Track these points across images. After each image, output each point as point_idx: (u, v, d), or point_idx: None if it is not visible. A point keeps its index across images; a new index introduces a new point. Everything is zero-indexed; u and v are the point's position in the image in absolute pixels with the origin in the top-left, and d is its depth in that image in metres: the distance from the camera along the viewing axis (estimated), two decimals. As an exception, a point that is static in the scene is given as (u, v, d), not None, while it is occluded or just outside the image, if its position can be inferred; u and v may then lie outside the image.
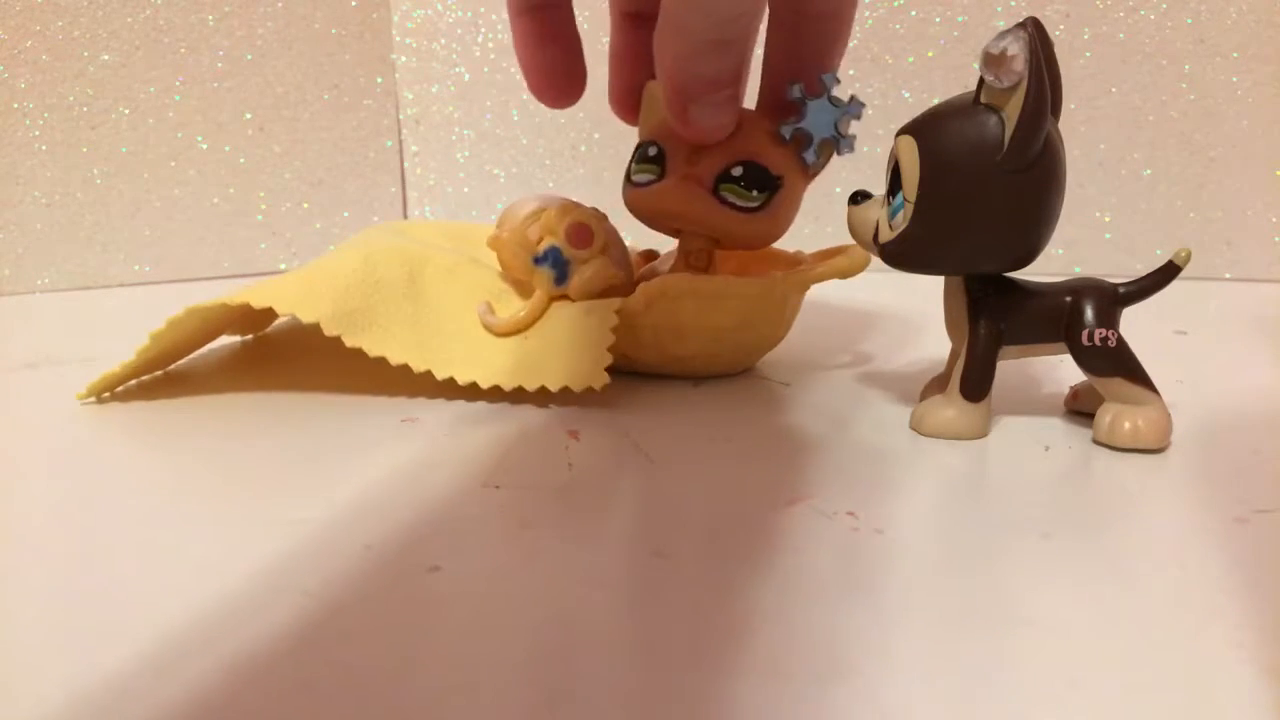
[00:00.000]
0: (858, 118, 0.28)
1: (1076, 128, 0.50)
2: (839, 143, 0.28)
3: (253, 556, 0.18)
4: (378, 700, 0.14)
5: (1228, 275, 0.50)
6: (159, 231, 0.53)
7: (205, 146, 0.53)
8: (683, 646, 0.15)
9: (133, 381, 0.30)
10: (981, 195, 0.23)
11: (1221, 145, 0.50)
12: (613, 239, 0.31)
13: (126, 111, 0.51)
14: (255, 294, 0.28)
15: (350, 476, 0.22)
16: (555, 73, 0.30)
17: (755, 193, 0.28)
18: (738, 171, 0.28)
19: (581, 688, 0.14)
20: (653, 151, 0.29)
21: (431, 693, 0.14)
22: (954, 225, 0.24)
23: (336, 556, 0.18)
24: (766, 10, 0.28)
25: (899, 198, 0.24)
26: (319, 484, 0.22)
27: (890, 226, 0.25)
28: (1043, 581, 0.17)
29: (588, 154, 0.57)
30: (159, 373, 0.31)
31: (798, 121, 0.28)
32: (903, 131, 0.25)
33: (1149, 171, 0.51)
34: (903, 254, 0.25)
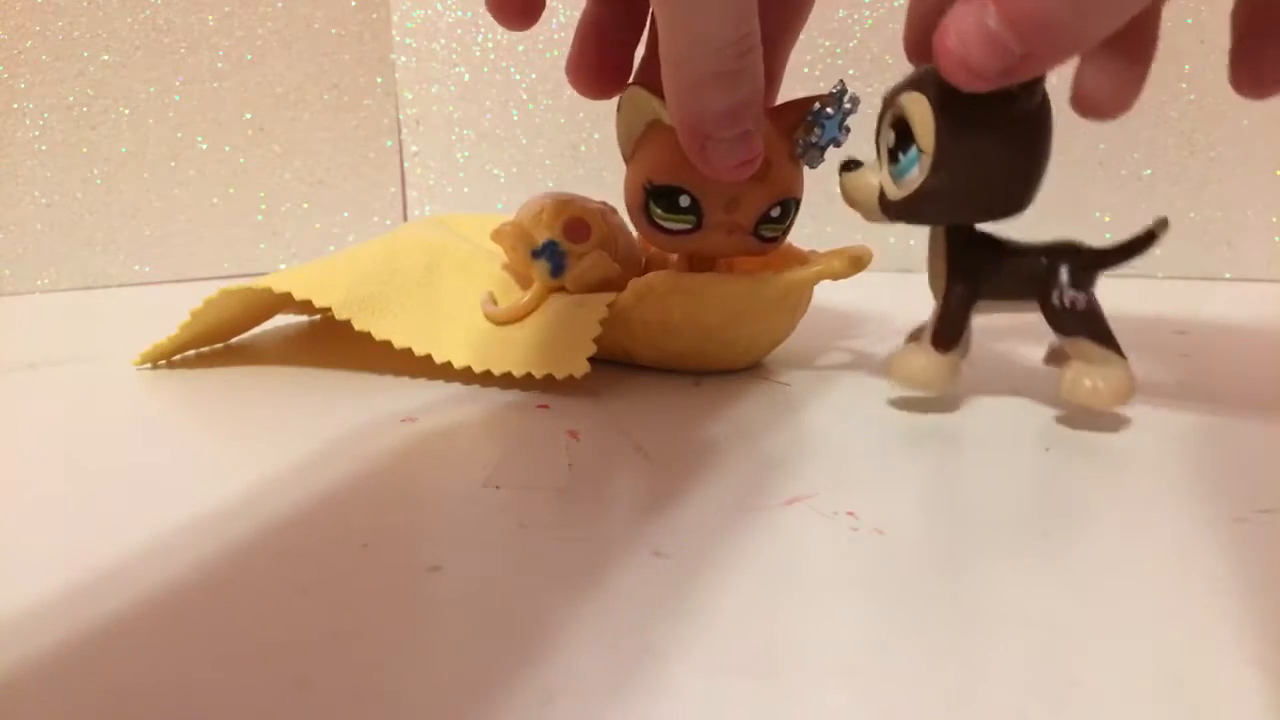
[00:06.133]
0: (856, 111, 0.28)
1: (1077, 128, 0.50)
2: (840, 141, 0.28)
3: (249, 554, 0.18)
4: (377, 700, 0.14)
5: (1228, 275, 0.50)
6: (159, 231, 0.53)
7: (205, 146, 0.53)
8: (682, 646, 0.15)
9: (139, 375, 0.31)
10: (1000, 138, 0.24)
11: (1221, 145, 0.50)
12: (617, 233, 0.31)
13: (126, 111, 0.51)
14: (279, 279, 0.30)
15: (349, 475, 0.22)
16: None
17: (785, 222, 0.29)
18: (776, 212, 0.28)
19: (581, 687, 0.14)
20: (685, 202, 0.27)
21: (431, 693, 0.14)
22: (973, 171, 0.24)
23: (335, 556, 0.18)
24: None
25: (910, 154, 0.25)
26: (317, 483, 0.22)
27: (899, 185, 0.25)
28: (1043, 581, 0.17)
29: (588, 154, 0.57)
30: (175, 356, 0.33)
31: (815, 138, 0.27)
32: (906, 89, 0.25)
33: (1149, 171, 0.51)
34: (920, 208, 0.25)
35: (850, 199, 0.27)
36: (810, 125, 0.27)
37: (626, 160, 0.29)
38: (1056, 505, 0.21)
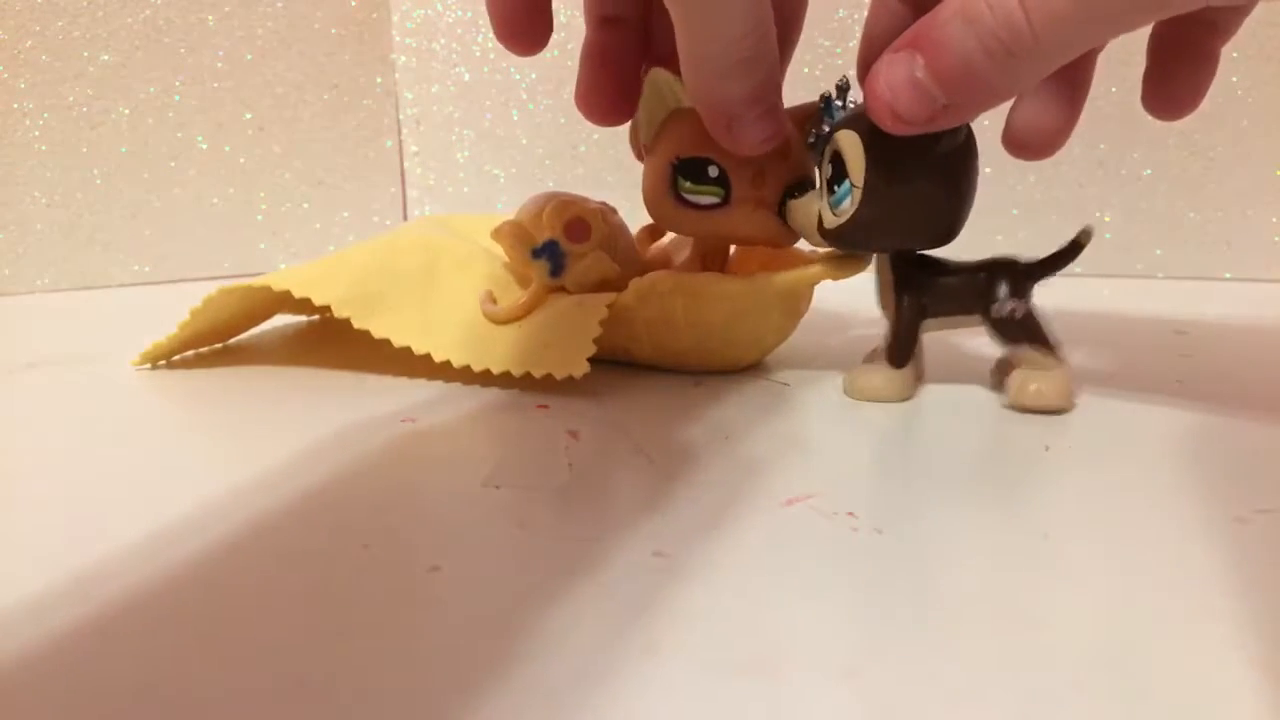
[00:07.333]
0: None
1: (1077, 128, 0.50)
2: None
3: (249, 554, 0.18)
4: (377, 700, 0.14)
5: (1228, 275, 0.50)
6: (159, 231, 0.53)
7: (205, 146, 0.53)
8: (682, 646, 0.15)
9: (139, 375, 0.31)
10: (924, 174, 0.25)
11: (1221, 145, 0.50)
12: (617, 233, 0.31)
13: (126, 111, 0.51)
14: (278, 277, 0.30)
15: (349, 476, 0.22)
16: (518, 19, 0.28)
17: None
18: (797, 193, 0.28)
19: (581, 687, 0.14)
20: (714, 173, 0.28)
21: (431, 692, 0.14)
22: (899, 204, 0.26)
23: (335, 556, 0.18)
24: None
25: (844, 186, 0.26)
26: (317, 483, 0.22)
27: (835, 214, 0.27)
28: (1043, 581, 0.17)
29: (587, 154, 0.57)
30: (178, 356, 0.33)
31: (826, 126, 0.28)
32: (841, 127, 0.26)
33: (1149, 171, 0.51)
34: (852, 236, 0.27)
35: (793, 222, 0.28)
36: (820, 115, 0.28)
37: (646, 148, 0.30)
38: (1056, 505, 0.21)
